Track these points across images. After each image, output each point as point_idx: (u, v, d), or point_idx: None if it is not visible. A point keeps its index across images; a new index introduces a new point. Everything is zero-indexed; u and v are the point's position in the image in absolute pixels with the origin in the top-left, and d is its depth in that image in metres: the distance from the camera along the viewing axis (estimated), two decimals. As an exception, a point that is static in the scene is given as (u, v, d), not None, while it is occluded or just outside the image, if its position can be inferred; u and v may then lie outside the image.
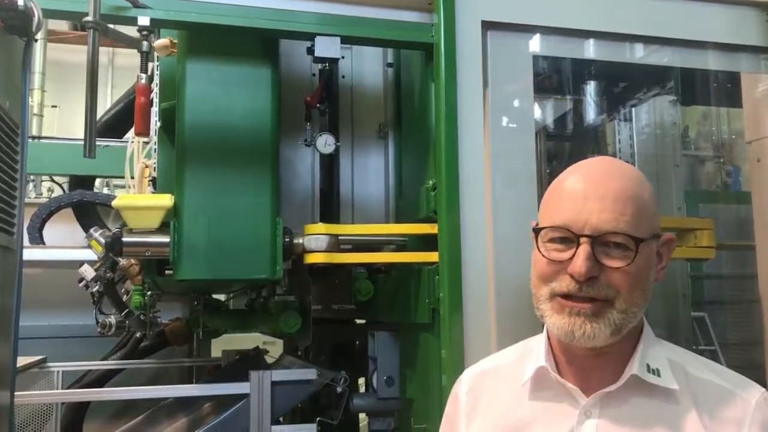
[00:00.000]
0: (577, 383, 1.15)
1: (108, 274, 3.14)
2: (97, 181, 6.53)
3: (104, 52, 10.02)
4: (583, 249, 1.07)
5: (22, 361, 3.15)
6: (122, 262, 2.94)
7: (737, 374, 1.17)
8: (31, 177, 7.22)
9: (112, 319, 3.29)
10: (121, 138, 4.47)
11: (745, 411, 1.09)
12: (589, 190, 1.11)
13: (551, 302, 1.12)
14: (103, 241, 2.33)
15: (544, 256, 1.12)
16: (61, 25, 8.89)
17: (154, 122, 2.51)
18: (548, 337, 1.21)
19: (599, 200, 1.09)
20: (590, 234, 1.07)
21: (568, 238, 1.10)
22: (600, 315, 1.08)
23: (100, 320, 3.31)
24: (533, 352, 1.23)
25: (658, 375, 1.12)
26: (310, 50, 2.15)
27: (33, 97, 8.89)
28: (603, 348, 1.12)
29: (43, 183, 7.65)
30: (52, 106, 9.36)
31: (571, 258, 1.08)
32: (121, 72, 9.87)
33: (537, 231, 1.15)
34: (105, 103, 7.19)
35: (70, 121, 8.78)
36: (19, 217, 1.70)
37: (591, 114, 3.25)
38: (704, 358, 1.21)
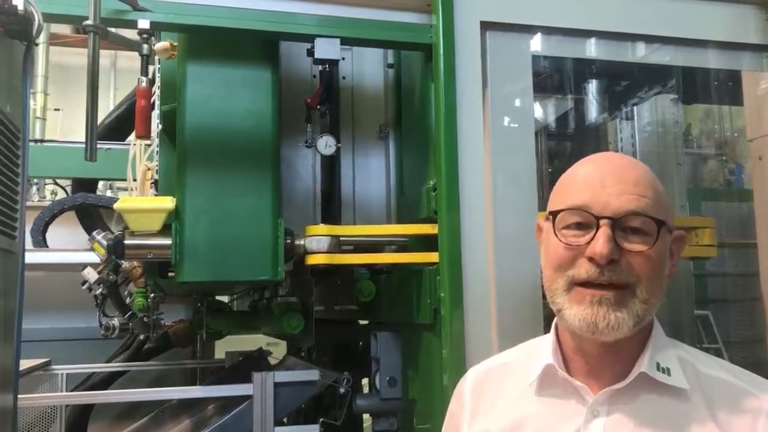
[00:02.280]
0: (585, 381, 1.13)
1: (111, 277, 3.15)
2: (100, 184, 6.54)
3: (107, 55, 10.04)
4: (603, 231, 1.04)
5: (26, 363, 3.16)
6: (125, 264, 2.95)
7: (750, 373, 1.15)
8: (35, 180, 7.24)
9: (116, 322, 3.29)
10: (123, 141, 4.48)
11: (759, 409, 1.07)
12: (608, 175, 1.09)
13: (569, 293, 1.08)
14: (105, 243, 2.34)
15: (561, 241, 1.09)
16: (64, 28, 8.92)
17: (156, 125, 2.52)
18: (556, 335, 1.19)
19: (618, 184, 1.07)
20: (610, 216, 1.05)
21: (586, 222, 1.07)
22: (623, 303, 1.05)
23: (103, 323, 3.32)
24: (540, 351, 1.20)
25: (668, 374, 1.09)
26: (311, 52, 2.16)
27: (36, 101, 8.90)
28: (615, 343, 1.09)
29: (46, 186, 7.67)
30: (55, 109, 9.36)
31: (589, 243, 1.06)
32: (124, 74, 9.89)
33: (554, 215, 1.11)
34: (108, 106, 7.20)
35: (73, 124, 8.80)
36: (21, 221, 1.70)
37: (592, 113, 3.26)
38: (718, 358, 1.19)
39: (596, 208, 1.06)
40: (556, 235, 1.10)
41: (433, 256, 2.10)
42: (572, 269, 1.08)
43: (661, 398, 1.09)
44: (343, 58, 2.57)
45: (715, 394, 1.09)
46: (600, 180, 1.09)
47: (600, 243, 1.04)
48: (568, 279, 1.09)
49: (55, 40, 9.10)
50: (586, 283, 1.07)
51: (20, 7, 1.55)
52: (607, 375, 1.12)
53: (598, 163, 1.15)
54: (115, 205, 2.11)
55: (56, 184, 6.80)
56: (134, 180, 2.79)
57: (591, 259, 1.06)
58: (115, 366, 3.90)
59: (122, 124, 4.38)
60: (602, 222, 1.05)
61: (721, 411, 1.07)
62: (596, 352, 1.13)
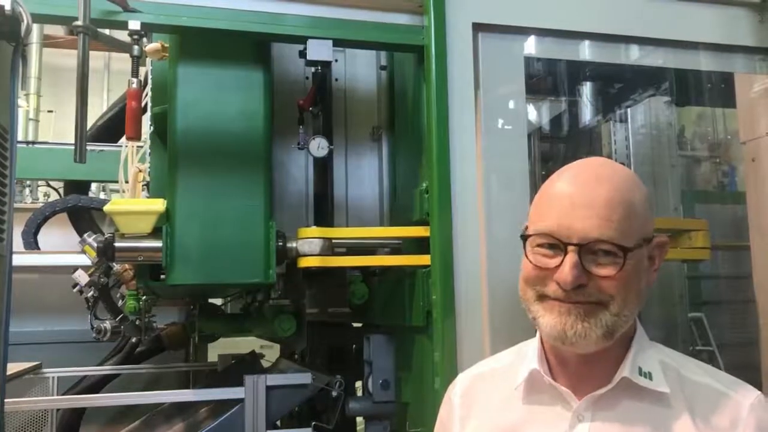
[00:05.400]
0: (569, 386, 1.14)
1: (102, 280, 3.13)
2: (93, 186, 6.52)
3: (100, 57, 10.02)
4: (570, 258, 1.06)
5: (17, 367, 3.14)
6: (116, 267, 2.94)
7: (732, 377, 1.16)
8: (27, 182, 7.22)
9: (107, 325, 3.28)
10: (117, 142, 4.47)
11: (739, 413, 1.08)
12: (577, 196, 1.09)
13: (542, 303, 1.10)
14: (96, 246, 2.32)
15: (531, 261, 1.11)
16: (57, 30, 8.89)
17: (147, 126, 2.51)
18: (541, 340, 1.20)
19: (586, 207, 1.07)
20: (577, 242, 1.06)
21: (556, 244, 1.08)
22: (593, 315, 1.06)
23: (95, 325, 3.30)
24: (528, 355, 1.22)
25: (650, 378, 1.11)
26: (303, 53, 2.15)
27: (29, 102, 8.88)
28: (594, 353, 1.11)
29: (39, 188, 7.64)
30: (48, 111, 9.34)
31: (559, 266, 1.07)
32: (118, 76, 9.88)
33: (524, 238, 1.14)
34: (102, 108, 7.18)
35: (67, 126, 8.76)
36: (9, 223, 1.69)
37: (586, 115, 3.25)
38: (699, 362, 1.20)
39: (563, 234, 1.07)
40: (527, 256, 1.12)
41: (425, 259, 2.09)
42: (542, 287, 1.10)
43: (643, 403, 1.10)
44: (336, 60, 2.56)
45: (697, 398, 1.10)
46: (569, 201, 1.09)
47: (566, 270, 1.06)
48: (537, 293, 1.11)
49: (48, 41, 9.07)
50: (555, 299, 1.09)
51: (8, 8, 1.54)
52: (591, 379, 1.13)
53: (571, 179, 1.14)
54: (105, 207, 2.10)
55: (49, 185, 6.78)
56: (126, 182, 2.78)
57: (558, 284, 1.07)
58: (106, 369, 3.88)
59: (115, 126, 4.37)
60: (569, 248, 1.06)
61: (703, 416, 1.08)
62: (577, 360, 1.14)
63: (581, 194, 1.09)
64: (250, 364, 3.62)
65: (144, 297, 2.94)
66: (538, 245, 1.11)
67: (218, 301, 3.52)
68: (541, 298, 1.11)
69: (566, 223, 1.07)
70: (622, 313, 1.08)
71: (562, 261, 1.07)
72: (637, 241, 1.08)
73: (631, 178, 1.15)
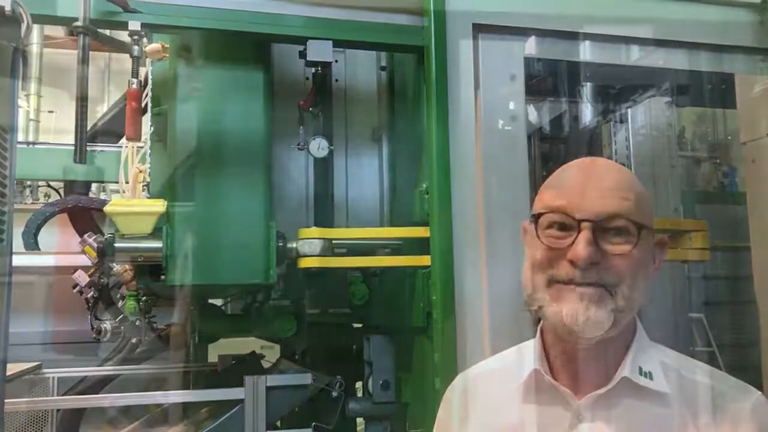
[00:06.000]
0: (570, 385, 1.13)
1: (102, 280, 3.13)
2: (93, 186, 6.51)
3: (100, 57, 10.01)
4: (584, 234, 1.04)
5: (17, 367, 3.13)
6: (116, 267, 2.93)
7: (733, 378, 1.15)
8: (28, 183, 7.22)
9: (108, 325, 3.28)
10: (117, 143, 4.46)
11: (740, 414, 1.07)
12: (590, 178, 1.09)
13: (550, 290, 1.08)
14: (96, 246, 2.32)
15: (543, 242, 1.09)
16: (57, 30, 8.88)
17: (148, 127, 2.51)
18: (541, 339, 1.19)
19: (600, 187, 1.08)
20: (591, 219, 1.05)
21: (568, 224, 1.07)
22: (603, 301, 1.05)
23: (95, 326, 3.30)
24: (527, 355, 1.20)
25: (651, 378, 1.10)
26: (303, 54, 2.15)
27: (29, 103, 8.87)
28: (597, 347, 1.09)
29: (39, 188, 7.64)
30: (48, 111, 9.33)
31: (571, 245, 1.05)
32: (118, 76, 9.86)
33: (536, 217, 1.11)
34: (103, 108, 7.17)
35: (67, 126, 8.73)
36: (9, 224, 1.69)
37: (586, 116, 3.25)
38: (699, 362, 1.19)
39: (577, 211, 1.06)
40: (539, 237, 1.10)
41: (425, 260, 2.09)
42: (553, 269, 1.08)
43: (643, 403, 1.10)
44: (336, 61, 2.56)
45: (697, 399, 1.10)
46: (582, 182, 1.09)
47: (580, 246, 1.04)
48: (548, 277, 1.08)
49: (49, 41, 9.07)
50: (567, 282, 1.07)
51: (8, 8, 1.54)
52: (591, 379, 1.12)
53: (582, 166, 1.15)
54: (105, 208, 2.10)
55: (49, 186, 6.77)
56: (126, 182, 2.78)
57: (572, 262, 1.05)
58: (106, 369, 3.87)
59: (116, 126, 4.36)
60: (583, 225, 1.05)
61: (703, 416, 1.08)
62: (579, 355, 1.13)
63: (594, 178, 1.10)
64: (250, 364, 3.61)
65: (144, 297, 2.94)
66: (549, 227, 1.09)
67: (218, 302, 3.52)
68: (551, 283, 1.08)
69: (581, 200, 1.07)
70: (631, 296, 1.06)
71: (575, 239, 1.05)
72: (648, 224, 1.09)
73: (633, 176, 1.16)
